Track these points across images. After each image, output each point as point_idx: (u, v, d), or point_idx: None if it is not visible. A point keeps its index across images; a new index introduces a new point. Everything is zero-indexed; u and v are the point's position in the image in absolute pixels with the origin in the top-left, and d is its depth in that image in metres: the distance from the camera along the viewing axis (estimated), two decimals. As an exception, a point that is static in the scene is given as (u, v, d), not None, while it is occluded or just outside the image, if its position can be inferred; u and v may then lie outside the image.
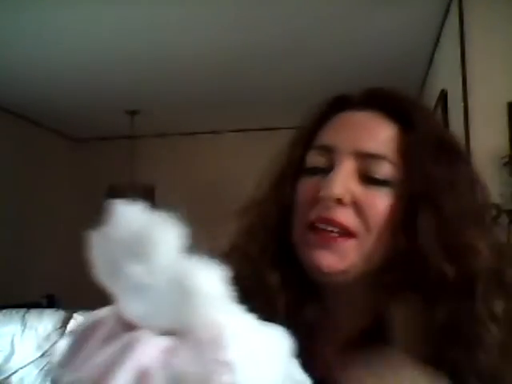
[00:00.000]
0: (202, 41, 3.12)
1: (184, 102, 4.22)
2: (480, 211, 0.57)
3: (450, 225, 0.53)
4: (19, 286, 4.14)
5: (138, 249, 0.36)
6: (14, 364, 2.93)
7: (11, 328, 3.00)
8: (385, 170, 0.56)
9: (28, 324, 3.00)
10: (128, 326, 0.37)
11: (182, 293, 0.35)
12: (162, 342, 0.35)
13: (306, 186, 0.58)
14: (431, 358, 0.49)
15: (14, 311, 3.10)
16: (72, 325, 2.98)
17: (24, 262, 4.34)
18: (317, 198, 0.56)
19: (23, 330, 2.99)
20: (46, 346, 2.94)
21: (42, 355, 2.93)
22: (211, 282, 0.35)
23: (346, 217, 0.54)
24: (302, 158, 0.60)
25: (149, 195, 4.38)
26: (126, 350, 0.35)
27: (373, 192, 0.55)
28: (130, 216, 0.37)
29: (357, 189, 0.55)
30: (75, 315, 3.02)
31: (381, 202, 0.55)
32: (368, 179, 0.55)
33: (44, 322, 3.00)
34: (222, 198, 4.27)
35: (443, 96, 2.86)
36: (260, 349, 0.35)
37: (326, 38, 3.12)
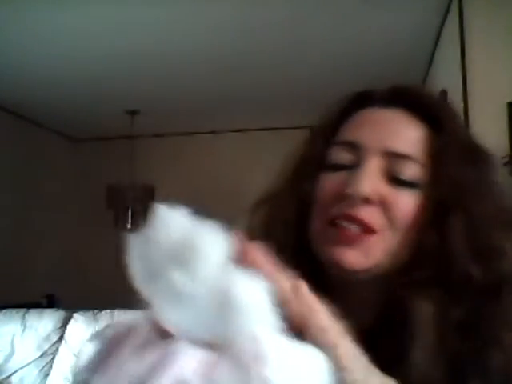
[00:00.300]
0: (202, 41, 3.12)
1: (184, 102, 4.22)
2: (505, 214, 0.56)
3: (478, 227, 0.53)
4: (19, 286, 4.14)
5: (182, 256, 0.34)
6: (13, 364, 2.93)
7: (11, 328, 2.99)
8: (412, 170, 0.55)
9: (28, 324, 3.00)
10: (164, 335, 0.36)
11: (225, 305, 0.34)
12: (202, 355, 0.34)
13: (328, 181, 0.57)
14: (446, 353, 0.49)
15: (14, 311, 3.09)
16: (72, 325, 2.98)
17: (24, 262, 4.34)
18: (341, 195, 0.55)
19: (23, 330, 2.98)
20: (46, 346, 2.94)
21: (42, 355, 2.93)
22: (255, 295, 0.34)
23: (371, 215, 0.54)
24: (323, 154, 0.59)
25: (149, 195, 4.38)
26: (165, 360, 0.34)
27: (399, 192, 0.54)
28: (174, 221, 0.36)
29: (383, 188, 0.54)
30: (75, 315, 3.02)
31: (407, 202, 0.54)
32: (395, 179, 0.55)
33: (44, 322, 3.00)
34: (222, 197, 4.27)
35: (443, 96, 2.86)
36: (300, 367, 0.34)
37: (326, 38, 3.12)
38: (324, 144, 0.60)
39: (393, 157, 0.55)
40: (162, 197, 3.88)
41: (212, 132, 4.95)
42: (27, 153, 4.53)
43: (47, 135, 4.85)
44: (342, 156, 0.57)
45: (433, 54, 3.30)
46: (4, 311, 3.10)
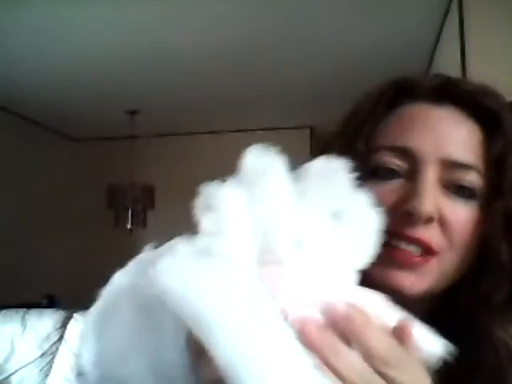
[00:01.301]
0: (202, 41, 3.12)
1: (184, 102, 4.22)
2: None
3: None
4: (19, 286, 4.14)
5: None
6: (13, 364, 2.93)
7: (11, 328, 2.99)
8: (473, 181, 0.49)
9: (28, 324, 3.00)
10: None
11: None
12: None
13: (379, 191, 0.47)
14: None
15: (13, 311, 3.09)
16: (72, 325, 2.98)
17: (24, 262, 4.34)
18: (398, 211, 0.48)
19: (23, 330, 2.98)
20: (46, 346, 2.94)
21: (42, 355, 2.93)
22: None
23: (432, 236, 0.49)
24: (365, 155, 0.52)
25: (149, 195, 4.38)
26: None
27: (458, 205, 0.49)
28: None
29: (443, 203, 0.49)
30: (75, 315, 3.02)
31: (467, 217, 0.49)
32: (454, 191, 0.49)
33: (44, 322, 3.00)
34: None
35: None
36: None
37: (326, 39, 3.12)
38: (366, 143, 0.53)
39: (451, 166, 0.49)
40: (162, 197, 3.87)
41: (212, 132, 4.95)
42: (27, 153, 4.53)
43: (47, 135, 4.85)
44: (393, 162, 0.51)
45: (433, 53, 3.30)
46: (4, 311, 3.10)
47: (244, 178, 0.39)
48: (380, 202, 0.45)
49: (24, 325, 3.00)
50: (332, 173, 0.38)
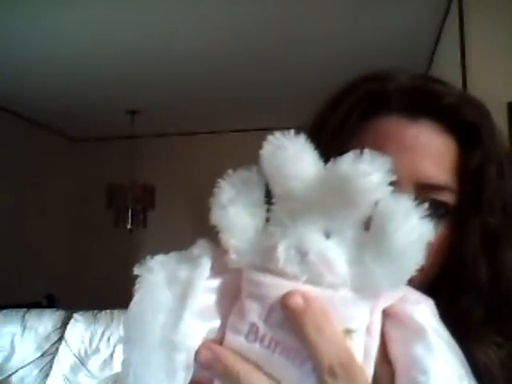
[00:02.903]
0: (201, 41, 3.12)
1: (184, 102, 4.22)
2: None
3: None
4: (19, 286, 4.14)
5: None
6: (13, 364, 2.93)
7: (11, 328, 3.00)
8: (446, 200, 0.48)
9: (28, 324, 3.00)
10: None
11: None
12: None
13: None
14: None
15: (14, 311, 3.10)
16: (72, 325, 2.98)
17: (24, 262, 4.34)
18: None
19: (23, 330, 2.99)
20: (46, 346, 2.94)
21: (42, 355, 2.93)
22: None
23: None
24: None
25: (149, 195, 4.38)
26: None
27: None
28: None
29: None
30: (75, 315, 3.02)
31: (439, 236, 0.48)
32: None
33: (44, 322, 3.00)
34: (221, 197, 4.26)
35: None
36: None
37: (325, 39, 3.12)
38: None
39: (427, 188, 0.48)
40: (162, 197, 3.88)
41: (212, 132, 4.95)
42: (27, 153, 4.53)
43: (47, 135, 4.85)
44: None
45: (433, 53, 3.30)
46: (4, 311, 3.10)
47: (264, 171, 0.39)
48: None
49: (24, 325, 3.00)
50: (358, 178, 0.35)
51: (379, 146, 0.47)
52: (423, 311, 0.37)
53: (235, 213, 0.37)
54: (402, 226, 0.34)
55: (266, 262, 0.36)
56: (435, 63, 3.34)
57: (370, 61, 3.50)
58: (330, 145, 0.49)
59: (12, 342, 2.97)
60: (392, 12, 2.77)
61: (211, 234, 0.41)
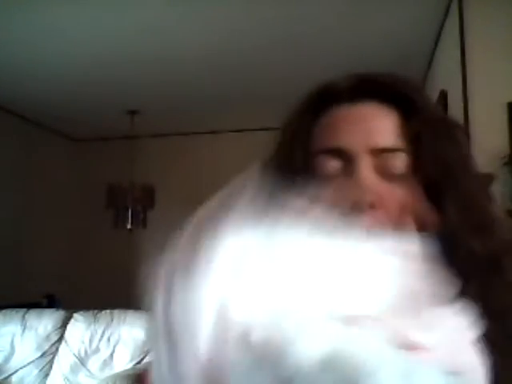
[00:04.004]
0: (201, 41, 3.12)
1: (184, 102, 4.22)
2: (487, 185, 0.57)
3: (473, 201, 0.54)
4: (19, 286, 4.14)
5: None
6: (13, 364, 2.93)
7: (11, 328, 3.00)
8: (403, 161, 0.54)
9: (28, 324, 3.00)
10: None
11: None
12: None
13: (324, 192, 0.51)
14: None
15: (14, 311, 3.10)
16: (72, 325, 2.98)
17: (24, 262, 4.34)
18: (346, 205, 0.51)
19: (23, 330, 2.99)
20: (46, 346, 2.94)
21: (42, 355, 2.93)
22: None
23: (376, 219, 0.52)
24: (306, 163, 0.56)
25: (149, 195, 4.38)
26: None
27: (396, 187, 0.54)
28: None
29: (382, 188, 0.53)
30: (75, 315, 3.02)
31: (405, 194, 0.53)
32: (389, 175, 0.54)
33: (44, 322, 3.00)
34: (221, 198, 4.26)
35: (443, 96, 2.86)
36: None
37: (325, 39, 3.12)
38: (303, 151, 0.57)
39: (382, 152, 0.54)
40: (162, 197, 3.88)
41: (212, 132, 4.95)
42: (27, 153, 4.53)
43: (47, 135, 4.85)
44: (332, 165, 0.55)
45: (433, 53, 3.30)
46: (4, 311, 3.10)
47: None
48: (328, 201, 0.49)
49: (24, 325, 3.00)
50: None
51: (333, 131, 0.57)
52: None
53: None
54: None
55: None
56: (435, 63, 3.34)
57: (369, 60, 3.52)
58: (293, 142, 0.59)
59: (12, 341, 2.97)
60: (392, 12, 2.77)
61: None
